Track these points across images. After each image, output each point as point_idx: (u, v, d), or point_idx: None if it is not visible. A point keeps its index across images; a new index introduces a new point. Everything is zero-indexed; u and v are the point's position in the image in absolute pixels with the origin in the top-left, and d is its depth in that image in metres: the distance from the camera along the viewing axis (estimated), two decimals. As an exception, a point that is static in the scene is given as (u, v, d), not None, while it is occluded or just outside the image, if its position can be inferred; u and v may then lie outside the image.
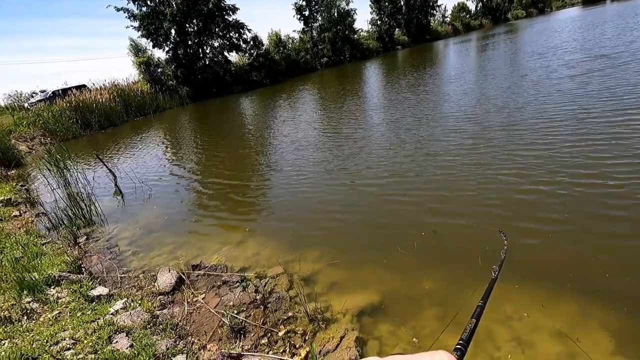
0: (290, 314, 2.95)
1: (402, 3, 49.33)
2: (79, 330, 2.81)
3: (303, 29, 39.78)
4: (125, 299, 3.41)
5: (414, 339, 2.53)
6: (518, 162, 4.86)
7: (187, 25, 27.99)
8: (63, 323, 2.97)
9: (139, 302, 3.34)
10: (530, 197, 3.95)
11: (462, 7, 63.04)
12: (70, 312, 3.17)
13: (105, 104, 20.51)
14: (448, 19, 59.28)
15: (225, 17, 29.38)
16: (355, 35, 42.15)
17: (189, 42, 28.73)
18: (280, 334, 2.76)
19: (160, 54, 35.17)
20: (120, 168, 9.30)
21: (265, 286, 3.36)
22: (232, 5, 29.22)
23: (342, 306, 2.93)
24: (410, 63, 24.50)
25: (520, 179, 4.36)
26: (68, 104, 19.13)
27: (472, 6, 64.20)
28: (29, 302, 3.34)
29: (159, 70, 26.83)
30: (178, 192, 6.96)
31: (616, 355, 2.17)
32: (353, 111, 11.28)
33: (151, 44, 27.26)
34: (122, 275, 4.02)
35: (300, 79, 29.68)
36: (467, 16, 62.64)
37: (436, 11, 54.46)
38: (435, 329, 2.60)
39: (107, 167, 8.14)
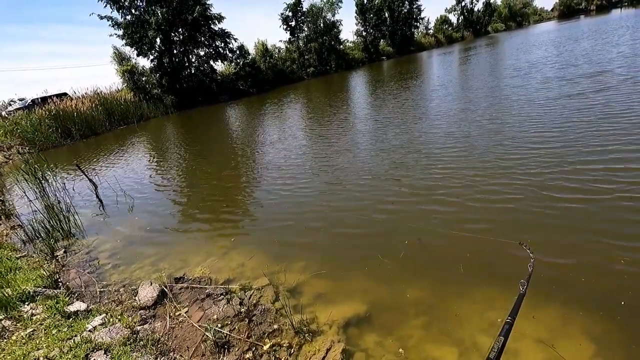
0: (275, 326, 2.90)
1: (386, 15, 50.40)
2: (54, 349, 2.70)
3: (289, 39, 40.14)
4: (105, 314, 3.29)
5: (400, 350, 2.52)
6: (504, 171, 4.97)
7: (172, 34, 27.83)
8: (37, 341, 2.84)
9: (119, 317, 3.23)
10: (511, 205, 4.03)
11: (444, 20, 64.91)
12: (45, 330, 3.04)
13: (87, 113, 20.10)
14: (431, 30, 60.81)
15: (211, 26, 29.36)
16: (341, 46, 42.76)
17: (174, 51, 28.53)
18: (265, 347, 2.71)
19: (144, 63, 34.86)
20: (102, 178, 9.08)
21: (250, 298, 3.31)
22: (217, 14, 29.24)
23: (328, 317, 2.90)
24: (395, 74, 24.94)
25: (506, 188, 4.45)
26: (48, 112, 18.64)
27: (454, 19, 66.21)
28: (1, 320, 3.19)
29: (143, 78, 26.49)
30: (161, 202, 6.81)
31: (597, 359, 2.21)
32: (340, 120, 11.37)
33: (135, 52, 26.95)
34: (102, 290, 3.89)
35: (287, 88, 29.80)
36: (450, 28, 64.47)
37: (419, 23, 55.81)
38: (421, 339, 2.59)
39: (87, 177, 7.93)
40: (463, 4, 65.32)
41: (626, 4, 73.39)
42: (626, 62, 10.73)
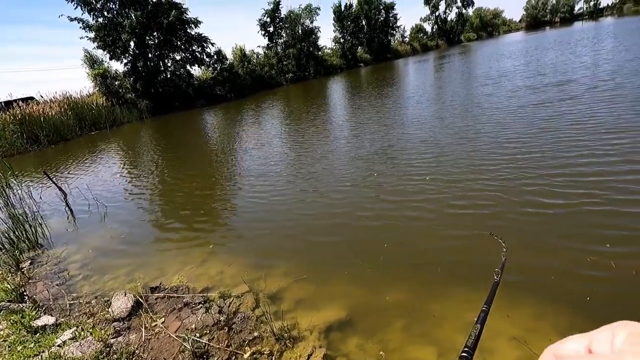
0: (256, 334, 2.86)
1: (363, 23, 51.30)
2: (19, 367, 2.55)
3: (268, 44, 40.13)
4: (75, 328, 3.14)
5: (381, 352, 2.53)
6: (477, 177, 5.12)
7: (147, 37, 27.21)
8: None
9: (91, 330, 3.09)
10: (485, 212, 4.17)
11: (419, 29, 66.76)
12: (9, 347, 2.86)
13: (56, 117, 19.26)
14: (407, 39, 62.37)
15: (187, 30, 28.94)
16: (320, 52, 43.10)
17: (149, 55, 27.89)
18: (245, 356, 2.66)
19: (118, 66, 33.86)
20: (72, 185, 8.70)
21: (229, 306, 3.24)
22: (194, 18, 28.87)
23: (310, 323, 2.89)
24: (372, 80, 25.36)
25: (479, 194, 4.59)
26: (12, 117, 17.73)
27: (428, 28, 68.25)
28: (-41, 338, 2.98)
29: (116, 82, 25.68)
30: (136, 211, 6.60)
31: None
32: (318, 126, 11.42)
33: (108, 55, 26.13)
34: (72, 302, 3.71)
35: (266, 93, 29.70)
36: (425, 37, 66.33)
37: (396, 31, 57.11)
38: (401, 341, 2.62)
39: (56, 184, 7.59)
40: (437, 13, 67.49)
41: (586, 17, 78.33)
42: (589, 72, 11.36)
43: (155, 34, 27.53)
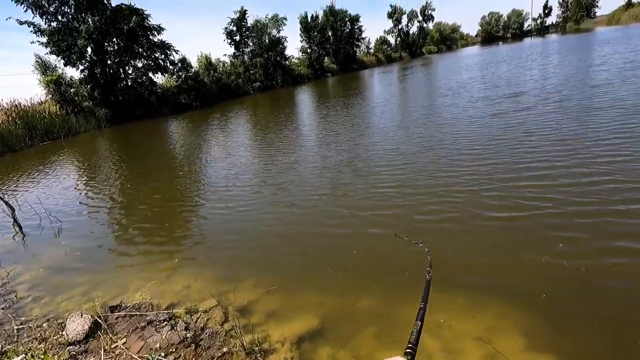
0: (225, 349, 2.76)
1: (330, 34, 52.25)
2: (-44, 402, 2.29)
3: (234, 53, 39.79)
4: (24, 355, 2.89)
5: (353, 360, 2.54)
6: (438, 189, 5.32)
7: (106, 43, 26.08)
8: None
9: (42, 356, 2.85)
10: (446, 225, 4.33)
11: (383, 41, 69.06)
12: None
13: (3, 127, 17.90)
14: (372, 50, 64.23)
15: (150, 37, 28.06)
16: (287, 62, 43.31)
17: (109, 62, 26.73)
18: (214, 373, 2.56)
19: (73, 73, 32.07)
20: (21, 200, 8.07)
21: (196, 322, 3.12)
22: (157, 25, 28.06)
23: (281, 334, 2.84)
24: (339, 90, 25.82)
25: (441, 205, 4.76)
26: (-49, 127, 16.29)
27: (392, 40, 70.76)
28: None
29: (71, 90, 24.29)
30: (93, 225, 6.22)
31: (529, 352, 2.42)
32: (286, 135, 11.42)
33: (62, 62, 24.73)
34: (20, 327, 3.41)
35: (233, 102, 29.33)
36: (389, 49, 68.63)
37: (361, 43, 58.66)
38: (373, 348, 2.64)
39: (1, 198, 7.00)
40: (400, 27, 70.17)
41: (534, 33, 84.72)
42: (539, 85, 12.23)
43: (115, 40, 26.45)
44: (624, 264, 3.01)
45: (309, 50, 50.50)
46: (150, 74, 29.18)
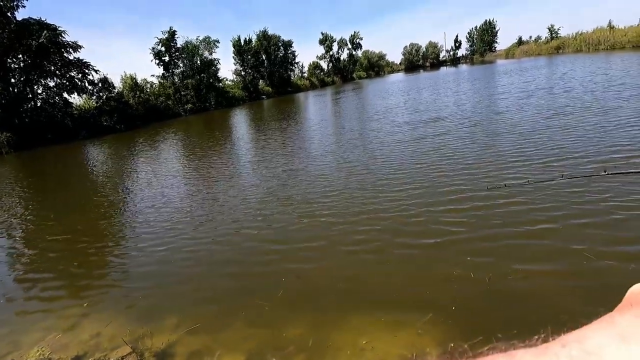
0: (140, 403, 2.51)
1: (264, 57, 53.02)
2: None
3: (163, 74, 38.21)
4: None
5: (281, 396, 2.48)
6: (366, 216, 5.57)
7: (9, 60, 23.30)
8: None
9: None
10: (370, 257, 4.55)
11: (316, 66, 72.04)
12: None
13: None
14: (306, 74, 66.43)
15: (65, 54, 25.77)
16: (220, 84, 42.73)
17: (12, 80, 23.84)
18: None
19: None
20: None
21: (108, 375, 2.80)
22: (73, 42, 25.97)
23: (205, 378, 2.67)
24: (274, 113, 26.06)
25: (366, 234, 4.98)
26: None
27: (324, 65, 74.12)
28: None
29: (-37, 111, 21.10)
30: (-16, 269, 5.33)
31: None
32: (214, 160, 11.12)
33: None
34: None
35: (162, 125, 27.86)
36: (322, 73, 71.64)
37: (295, 67, 60.44)
38: (301, 379, 2.61)
39: None
40: (331, 53, 73.96)
41: (449, 63, 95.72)
42: (455, 110, 13.64)
43: (20, 56, 23.77)
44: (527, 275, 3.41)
45: (243, 73, 50.54)
46: (65, 94, 26.63)
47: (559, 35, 59.74)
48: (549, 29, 61.73)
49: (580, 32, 48.25)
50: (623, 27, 40.61)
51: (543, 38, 64.90)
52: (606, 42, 39.78)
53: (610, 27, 42.41)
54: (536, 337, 0.41)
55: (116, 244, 5.67)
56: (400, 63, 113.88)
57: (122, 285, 4.31)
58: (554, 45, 53.49)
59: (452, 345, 2.77)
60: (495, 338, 2.88)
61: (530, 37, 72.96)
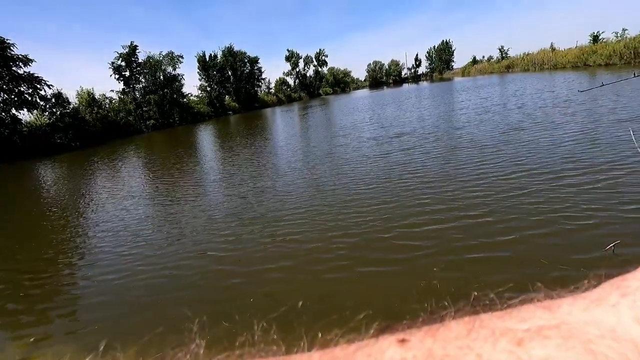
0: None
1: (229, 73, 52.74)
2: None
3: (123, 89, 36.84)
4: None
5: None
6: (331, 234, 5.55)
7: (-52, 73, 21.56)
8: None
9: None
10: (332, 275, 4.53)
11: (283, 82, 72.65)
12: None
13: None
14: (272, 90, 66.71)
15: (13, 68, 24.23)
16: (185, 99, 41.83)
17: (-49, 95, 22.02)
18: None
19: None
20: None
21: None
22: (23, 55, 24.51)
23: (164, 419, 2.46)
24: (241, 129, 25.78)
25: (332, 253, 4.96)
26: None
27: (291, 81, 74.91)
28: None
29: None
30: None
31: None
32: (180, 177, 10.74)
33: None
34: None
35: (122, 142, 26.66)
36: (288, 89, 72.27)
37: (261, 83, 60.55)
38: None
39: None
40: (297, 69, 75.00)
41: (410, 80, 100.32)
42: (418, 125, 14.12)
43: (-39, 70, 22.08)
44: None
45: (208, 89, 49.89)
46: (14, 110, 24.91)
47: (508, 55, 64.60)
48: (500, 49, 66.68)
49: (526, 53, 52.45)
50: (563, 49, 44.58)
51: (495, 57, 69.86)
52: (549, 62, 43.41)
53: (553, 49, 46.46)
54: (585, 281, 0.34)
55: (67, 274, 5.24)
56: (364, 80, 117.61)
57: (79, 312, 3.98)
58: (505, 64, 57.63)
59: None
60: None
61: (483, 56, 78.39)
